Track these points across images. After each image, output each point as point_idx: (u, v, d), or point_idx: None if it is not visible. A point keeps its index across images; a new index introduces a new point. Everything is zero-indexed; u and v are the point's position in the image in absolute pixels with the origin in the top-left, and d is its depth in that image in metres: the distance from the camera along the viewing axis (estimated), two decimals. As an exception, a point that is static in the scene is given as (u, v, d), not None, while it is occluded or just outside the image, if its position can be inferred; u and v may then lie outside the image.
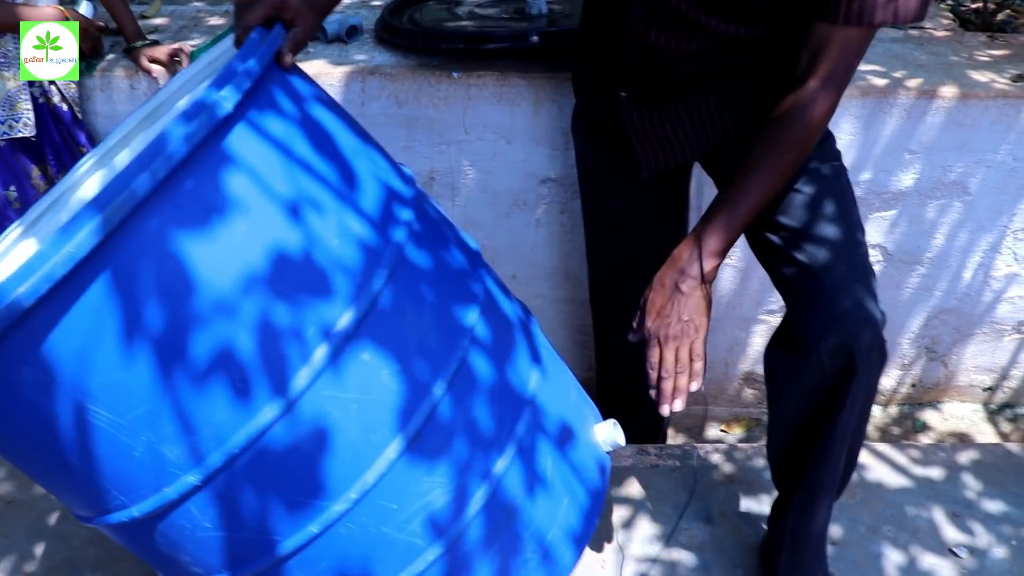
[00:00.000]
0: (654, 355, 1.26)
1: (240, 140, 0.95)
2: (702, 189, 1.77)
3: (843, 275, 1.26)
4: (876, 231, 2.05)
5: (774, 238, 1.34)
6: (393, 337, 1.04)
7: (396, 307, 1.05)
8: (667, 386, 1.26)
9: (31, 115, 1.63)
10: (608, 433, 1.35)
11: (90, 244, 0.83)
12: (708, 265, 1.24)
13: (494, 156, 1.90)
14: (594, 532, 1.34)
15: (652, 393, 1.27)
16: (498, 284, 1.31)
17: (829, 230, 1.29)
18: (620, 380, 1.93)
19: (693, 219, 1.82)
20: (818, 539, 1.49)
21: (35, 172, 1.75)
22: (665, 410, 1.26)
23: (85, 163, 1.29)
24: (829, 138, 1.41)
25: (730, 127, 1.38)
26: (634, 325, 1.30)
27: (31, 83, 1.62)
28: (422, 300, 1.09)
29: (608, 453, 1.36)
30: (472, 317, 1.14)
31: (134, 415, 0.92)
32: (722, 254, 1.25)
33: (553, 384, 1.29)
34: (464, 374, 1.11)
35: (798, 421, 1.38)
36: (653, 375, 1.26)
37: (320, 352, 0.98)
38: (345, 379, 1.00)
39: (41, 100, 1.67)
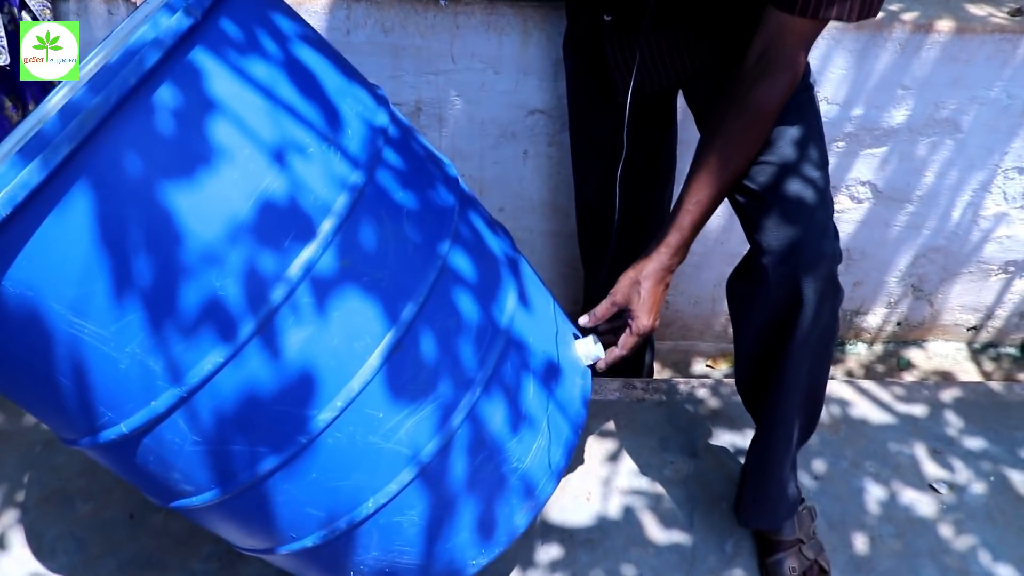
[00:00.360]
0: (630, 343, 1.35)
1: (208, 57, 0.95)
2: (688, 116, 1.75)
3: (795, 207, 1.27)
4: (866, 168, 2.04)
5: None
6: (368, 263, 1.04)
7: (371, 237, 1.05)
8: (617, 356, 1.37)
9: (3, 42, 1.59)
10: (588, 348, 1.38)
11: (63, 153, 0.83)
12: (680, 260, 1.34)
13: (482, 86, 1.87)
14: (571, 463, 1.36)
15: (601, 365, 1.37)
16: (483, 219, 1.30)
17: (786, 162, 1.30)
18: None
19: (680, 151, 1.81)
20: (781, 472, 1.50)
21: (7, 103, 1.70)
22: (601, 366, 1.38)
23: (58, 93, 1.26)
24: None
25: (707, 56, 1.41)
26: (597, 313, 1.36)
27: (0, 9, 1.57)
28: (398, 231, 1.08)
29: (589, 367, 1.39)
30: (445, 247, 1.14)
31: (117, 326, 0.92)
32: (688, 248, 1.34)
33: (536, 315, 1.29)
34: (438, 299, 1.11)
35: (755, 352, 1.42)
36: (615, 356, 1.36)
37: (296, 267, 0.98)
38: (325, 303, 1.01)
39: (11, 28, 1.61)
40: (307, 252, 0.98)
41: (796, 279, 1.25)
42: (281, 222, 0.97)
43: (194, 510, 1.15)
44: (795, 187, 1.29)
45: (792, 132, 1.30)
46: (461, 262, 1.16)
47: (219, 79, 0.95)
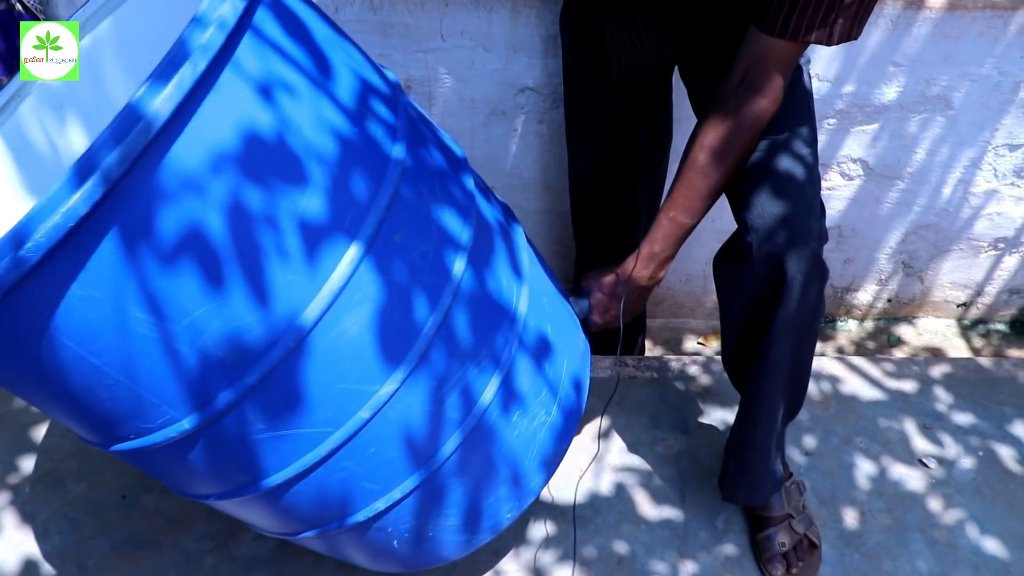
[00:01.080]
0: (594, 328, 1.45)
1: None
2: (679, 103, 1.74)
3: (781, 185, 1.28)
4: (857, 145, 2.04)
5: None
6: (415, 236, 1.05)
7: (415, 209, 1.05)
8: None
9: None
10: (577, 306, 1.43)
11: (132, 155, 0.80)
12: (661, 273, 1.37)
13: (471, 64, 1.86)
14: (565, 454, 1.37)
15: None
16: (479, 187, 1.30)
17: (774, 141, 1.31)
18: None
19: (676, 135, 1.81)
20: (764, 448, 1.51)
21: None
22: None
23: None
24: None
25: (703, 32, 1.40)
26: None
27: None
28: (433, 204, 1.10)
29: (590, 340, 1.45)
30: (457, 224, 1.14)
31: (188, 320, 0.90)
32: (667, 261, 1.36)
33: (534, 296, 1.29)
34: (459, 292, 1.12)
35: (739, 330, 1.43)
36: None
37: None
38: (382, 277, 1.02)
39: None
40: (366, 231, 0.99)
41: (780, 258, 1.25)
42: (340, 204, 0.97)
43: (240, 501, 1.14)
44: (782, 165, 1.29)
45: (780, 111, 1.30)
46: (470, 241, 1.17)
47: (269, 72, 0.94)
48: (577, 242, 1.97)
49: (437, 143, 1.21)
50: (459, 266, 1.11)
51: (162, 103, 0.80)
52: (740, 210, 1.31)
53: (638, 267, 1.34)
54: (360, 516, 1.16)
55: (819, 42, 1.17)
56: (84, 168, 0.78)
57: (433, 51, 1.83)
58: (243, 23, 0.90)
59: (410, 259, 1.04)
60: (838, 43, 1.18)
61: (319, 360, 0.99)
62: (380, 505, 1.16)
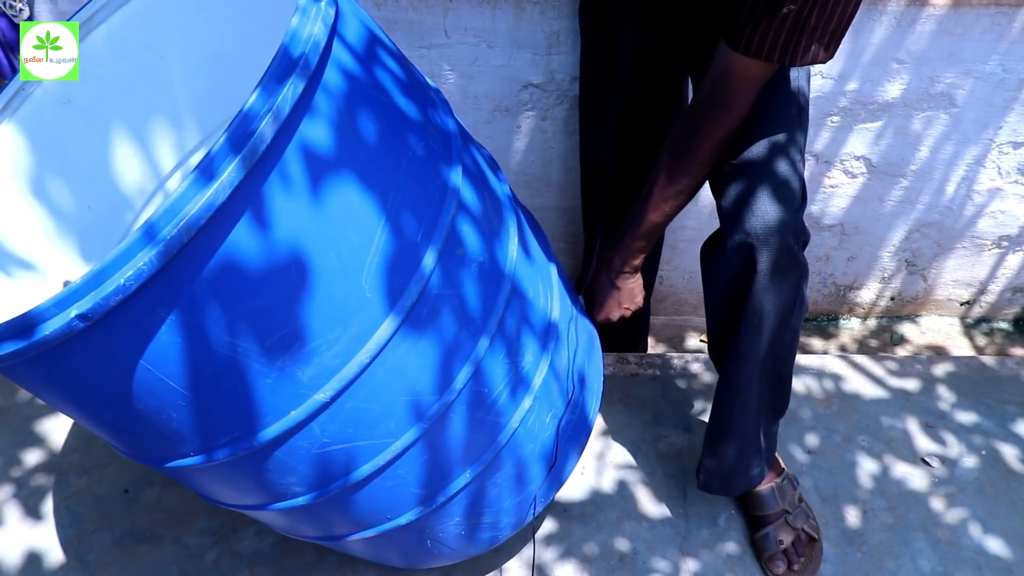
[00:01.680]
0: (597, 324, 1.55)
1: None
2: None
3: (758, 179, 1.28)
4: (860, 142, 2.03)
5: None
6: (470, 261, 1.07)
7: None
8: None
9: None
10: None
11: (231, 185, 0.79)
12: (636, 261, 1.47)
13: (475, 61, 1.85)
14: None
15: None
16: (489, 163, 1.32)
17: (754, 132, 1.31)
18: None
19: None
20: (739, 438, 1.51)
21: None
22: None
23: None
24: None
25: (708, 19, 1.40)
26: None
27: None
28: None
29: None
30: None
31: (273, 340, 0.90)
32: (647, 248, 1.46)
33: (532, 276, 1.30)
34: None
35: (717, 318, 1.44)
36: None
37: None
38: (449, 290, 1.04)
39: None
40: (433, 249, 1.00)
41: (751, 247, 1.27)
42: (410, 218, 0.98)
43: (287, 510, 1.15)
44: (763, 160, 1.30)
45: (765, 107, 1.31)
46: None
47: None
48: (586, 233, 1.99)
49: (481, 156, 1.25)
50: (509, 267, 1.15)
51: (269, 122, 0.81)
52: (719, 200, 1.34)
53: (625, 255, 1.44)
54: (406, 518, 1.20)
55: (780, 62, 1.16)
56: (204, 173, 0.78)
57: (436, 47, 1.83)
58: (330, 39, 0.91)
59: (471, 270, 1.07)
60: (805, 64, 1.16)
61: (388, 375, 1.01)
62: (427, 507, 1.19)
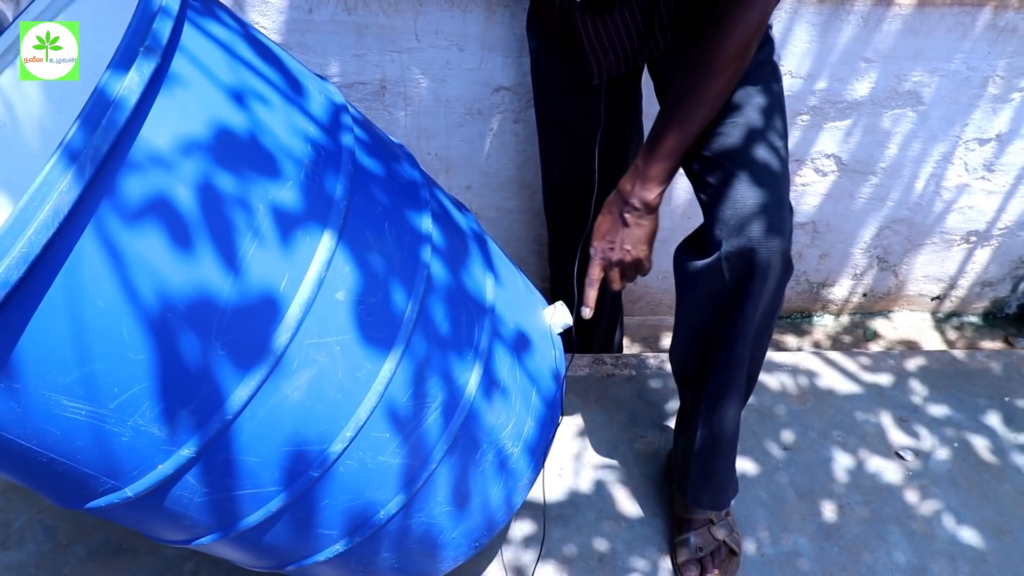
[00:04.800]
0: (594, 271, 1.37)
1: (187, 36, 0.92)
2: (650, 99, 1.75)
3: (753, 180, 1.23)
4: (830, 141, 2.05)
5: None
6: (358, 241, 1.01)
7: (357, 210, 1.02)
8: (591, 294, 1.37)
9: None
10: (559, 315, 1.38)
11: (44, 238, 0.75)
12: (650, 195, 1.29)
13: (446, 64, 1.85)
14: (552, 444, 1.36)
15: (585, 311, 1.39)
16: (446, 196, 1.30)
17: (744, 135, 1.27)
18: (570, 283, 1.91)
19: (646, 125, 1.81)
20: (730, 450, 1.49)
21: None
22: (586, 312, 1.39)
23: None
24: (766, 45, 1.37)
25: (679, 32, 1.37)
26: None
27: None
28: (379, 204, 1.06)
29: (559, 334, 1.40)
30: (428, 224, 1.12)
31: (117, 403, 0.87)
32: (664, 182, 1.29)
33: (507, 291, 1.28)
34: (430, 282, 1.09)
35: (699, 326, 1.37)
36: (591, 292, 1.37)
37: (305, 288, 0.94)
38: (330, 337, 0.98)
39: None
40: (310, 276, 0.95)
41: (751, 255, 1.20)
42: (283, 242, 0.94)
43: (199, 547, 1.13)
44: (757, 158, 1.25)
45: (752, 103, 1.29)
46: (442, 242, 1.15)
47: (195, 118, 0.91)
48: (551, 244, 1.95)
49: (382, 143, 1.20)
50: (427, 255, 1.10)
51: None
52: (709, 201, 1.27)
53: (639, 183, 1.29)
54: (324, 555, 1.16)
55: None
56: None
57: (408, 51, 1.83)
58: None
59: (368, 309, 1.02)
60: None
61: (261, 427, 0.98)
62: (388, 512, 1.15)
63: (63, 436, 0.88)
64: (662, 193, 1.30)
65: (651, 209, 1.31)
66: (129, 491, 0.96)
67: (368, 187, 1.06)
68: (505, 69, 1.87)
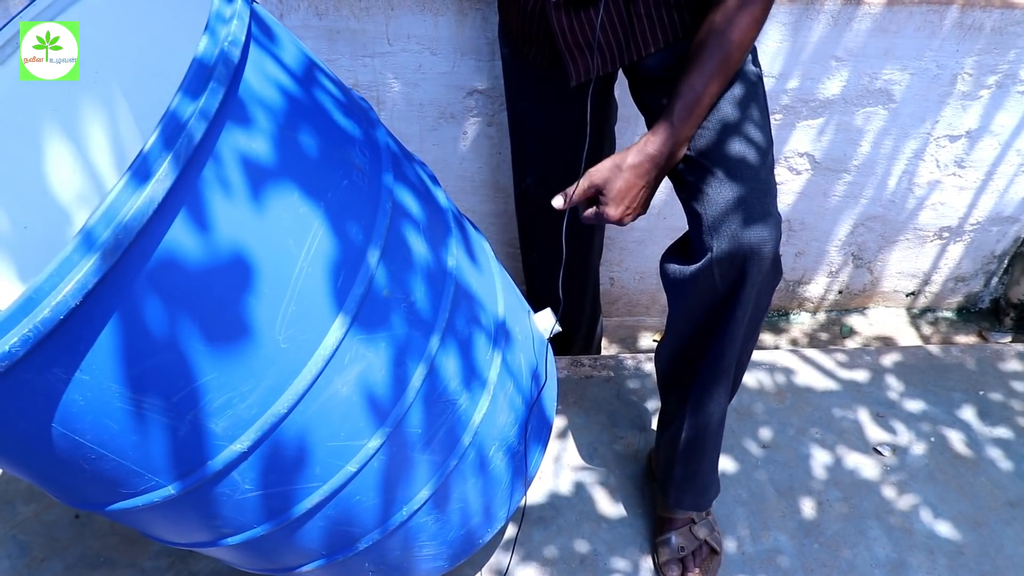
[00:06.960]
0: (590, 217, 1.31)
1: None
2: (625, 100, 1.75)
3: (742, 185, 1.22)
4: (803, 139, 2.06)
5: None
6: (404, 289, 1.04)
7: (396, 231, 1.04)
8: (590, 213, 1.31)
9: None
10: (547, 321, 1.39)
11: (122, 248, 0.75)
12: (680, 154, 1.26)
13: (419, 68, 1.85)
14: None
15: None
16: (457, 210, 1.31)
17: (732, 140, 1.26)
18: (545, 289, 1.92)
19: (620, 133, 1.81)
20: (714, 451, 1.50)
21: None
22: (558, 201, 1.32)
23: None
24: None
25: (659, 36, 1.34)
26: (571, 193, 1.29)
27: None
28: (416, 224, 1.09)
29: (548, 340, 1.41)
30: (453, 243, 1.16)
31: (180, 397, 0.87)
32: (686, 141, 1.26)
33: (511, 298, 1.29)
34: (459, 288, 1.12)
35: (688, 330, 1.36)
36: (590, 217, 1.32)
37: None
38: (375, 335, 1.01)
39: None
40: (359, 287, 0.98)
41: (742, 259, 1.19)
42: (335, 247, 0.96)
43: (220, 548, 1.13)
44: (743, 161, 1.24)
45: (741, 105, 1.28)
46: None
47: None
48: (523, 251, 1.94)
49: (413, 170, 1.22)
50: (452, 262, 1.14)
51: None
52: (696, 206, 1.25)
53: (650, 143, 1.24)
54: (392, 523, 1.18)
55: None
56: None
57: (380, 55, 1.82)
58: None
59: (408, 309, 1.05)
60: None
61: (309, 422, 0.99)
62: (410, 508, 1.17)
63: (119, 431, 0.87)
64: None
65: (665, 172, 1.28)
66: (172, 488, 0.96)
67: (405, 206, 1.09)
68: (478, 72, 1.87)
